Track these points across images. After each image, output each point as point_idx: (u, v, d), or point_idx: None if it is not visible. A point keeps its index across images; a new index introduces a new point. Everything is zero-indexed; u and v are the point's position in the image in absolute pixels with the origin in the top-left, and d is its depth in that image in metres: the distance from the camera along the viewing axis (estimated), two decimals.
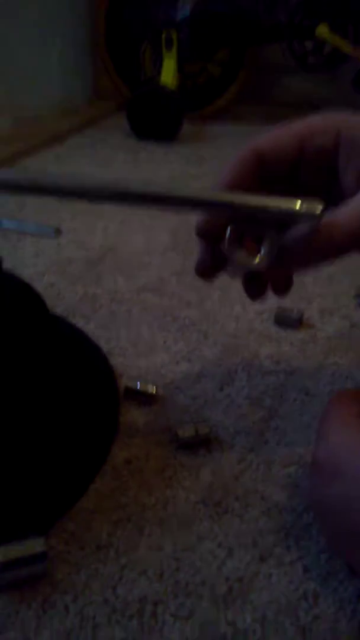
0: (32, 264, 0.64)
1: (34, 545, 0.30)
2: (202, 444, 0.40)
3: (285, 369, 0.49)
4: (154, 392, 0.44)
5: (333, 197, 0.35)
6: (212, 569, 0.32)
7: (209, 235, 0.36)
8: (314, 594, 0.31)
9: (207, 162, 1.09)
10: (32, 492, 0.35)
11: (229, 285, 0.62)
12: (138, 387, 0.44)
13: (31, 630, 0.28)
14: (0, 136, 1.12)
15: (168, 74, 1.32)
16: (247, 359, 0.50)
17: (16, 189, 0.35)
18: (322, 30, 1.29)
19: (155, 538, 0.33)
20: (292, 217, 0.31)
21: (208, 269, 0.38)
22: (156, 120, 1.24)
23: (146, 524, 0.34)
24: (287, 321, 0.55)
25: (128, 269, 0.65)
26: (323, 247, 0.32)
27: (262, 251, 0.32)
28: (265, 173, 0.36)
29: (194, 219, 0.84)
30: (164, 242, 0.72)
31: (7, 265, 0.42)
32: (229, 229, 0.32)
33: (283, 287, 0.38)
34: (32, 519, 0.33)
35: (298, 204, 0.31)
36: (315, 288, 0.63)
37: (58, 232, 0.71)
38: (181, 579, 0.31)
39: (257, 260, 0.32)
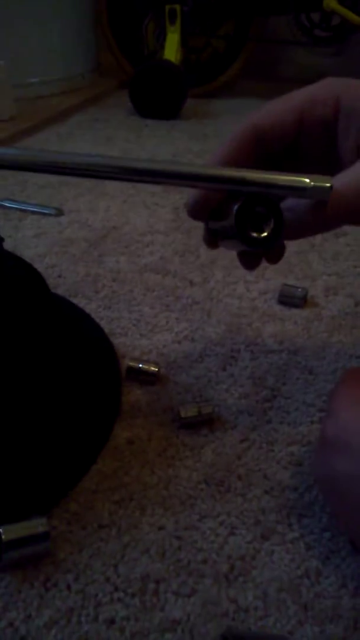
0: (33, 244, 0.64)
1: (37, 525, 0.30)
2: (204, 423, 0.40)
3: (289, 348, 0.49)
4: (157, 371, 0.44)
5: (330, 165, 0.34)
6: (214, 548, 0.32)
7: (201, 216, 0.36)
8: (316, 572, 0.31)
9: (211, 139, 1.08)
10: (34, 472, 0.35)
11: (233, 264, 0.62)
12: (140, 367, 0.44)
13: (33, 609, 0.28)
14: (2, 116, 1.11)
15: (171, 49, 1.30)
16: (251, 338, 0.50)
17: (18, 166, 0.34)
18: (330, 1, 1.26)
19: (157, 517, 0.33)
20: (302, 193, 0.30)
21: (212, 241, 0.39)
22: (159, 96, 1.22)
23: (148, 503, 0.34)
24: (291, 300, 0.55)
25: (130, 248, 0.64)
26: (322, 219, 0.31)
27: (268, 227, 0.31)
28: (264, 149, 0.35)
29: None
30: (166, 222, 0.72)
31: (9, 246, 0.42)
32: (235, 206, 0.31)
33: (277, 256, 0.38)
34: (35, 500, 0.33)
35: (308, 180, 0.30)
36: (319, 266, 0.62)
37: (60, 212, 0.71)
38: (183, 557, 0.31)
39: (264, 234, 0.32)
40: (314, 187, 0.30)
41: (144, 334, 0.50)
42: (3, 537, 0.29)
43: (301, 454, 0.38)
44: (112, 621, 0.28)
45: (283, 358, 0.47)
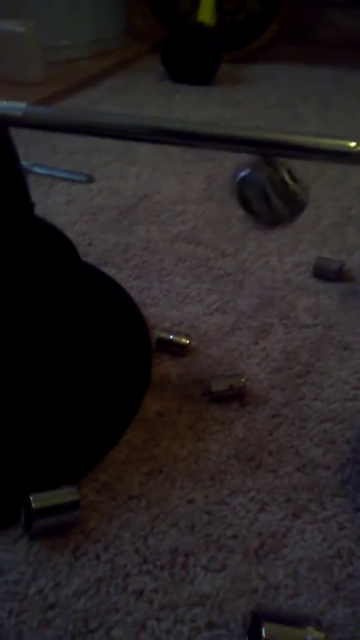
0: (63, 211, 0.63)
1: (66, 494, 0.30)
2: (235, 397, 0.39)
3: (324, 323, 0.47)
4: (187, 343, 0.43)
5: None
6: (244, 524, 0.31)
7: None
8: (348, 552, 0.30)
9: (245, 105, 1.04)
10: (65, 441, 0.35)
11: (266, 236, 0.60)
12: (171, 338, 0.43)
13: (63, 577, 0.28)
14: (32, 80, 1.09)
15: (206, 11, 1.25)
16: (284, 312, 0.48)
17: (50, 126, 0.33)
18: None
19: (187, 490, 0.33)
20: (345, 159, 0.29)
21: None
22: (193, 60, 1.17)
23: (178, 476, 0.34)
24: (327, 273, 0.53)
25: (161, 217, 0.63)
26: None
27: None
28: None
29: (230, 166, 0.81)
30: (198, 190, 0.70)
31: (39, 212, 0.41)
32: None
33: None
34: (65, 469, 0.33)
35: (354, 144, 0.28)
36: (356, 238, 0.60)
37: (90, 179, 0.69)
38: (213, 532, 0.31)
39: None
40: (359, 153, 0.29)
41: (174, 304, 0.49)
42: (33, 505, 0.29)
43: (335, 432, 0.37)
44: (140, 593, 0.28)
45: (317, 333, 0.46)
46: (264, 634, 0.24)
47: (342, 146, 0.29)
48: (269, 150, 0.31)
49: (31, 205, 0.40)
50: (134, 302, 0.48)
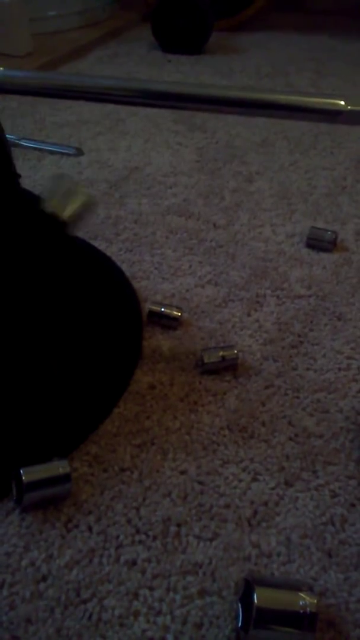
0: None
1: (57, 467, 0.30)
2: (228, 369, 0.39)
3: (317, 293, 0.47)
4: (179, 316, 0.42)
5: None
6: (236, 493, 0.31)
7: None
8: (341, 519, 0.30)
9: (237, 74, 1.02)
10: (55, 415, 0.34)
11: (258, 207, 0.59)
12: (162, 311, 0.43)
13: (55, 549, 0.28)
14: (19, 52, 1.06)
15: None
16: (277, 283, 0.48)
17: (31, 90, 0.32)
18: None
19: (179, 462, 0.33)
20: (336, 118, 0.28)
21: None
22: (183, 29, 1.15)
23: (170, 447, 0.33)
24: (320, 243, 0.52)
25: (152, 190, 0.62)
26: None
27: None
28: None
29: (222, 137, 0.79)
30: (190, 162, 0.68)
31: (27, 187, 0.40)
32: None
33: None
34: (56, 442, 0.33)
35: (344, 102, 0.28)
36: (350, 209, 0.59)
37: (79, 151, 0.68)
38: (205, 501, 0.31)
39: None
40: (350, 112, 0.28)
41: (166, 277, 0.48)
42: (24, 478, 0.29)
43: (328, 401, 0.37)
44: (133, 563, 0.28)
45: (311, 303, 0.46)
46: (255, 600, 0.24)
47: (333, 105, 0.28)
48: (260, 111, 0.30)
49: (16, 176, 0.39)
50: (124, 276, 0.48)
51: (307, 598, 0.25)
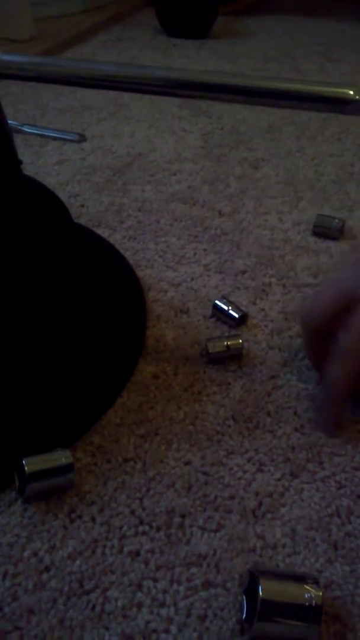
0: (55, 172, 0.61)
1: (60, 457, 0.30)
2: (233, 359, 0.39)
3: None
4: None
5: None
6: (241, 484, 0.31)
7: (321, 327, 0.34)
8: (347, 511, 0.30)
9: (242, 58, 1.00)
10: (58, 405, 0.34)
11: (264, 194, 0.58)
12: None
13: (58, 540, 0.28)
14: (21, 36, 1.04)
15: None
16: (283, 271, 0.47)
17: (34, 77, 0.31)
18: None
19: (183, 452, 0.32)
20: (343, 108, 0.27)
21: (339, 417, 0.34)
22: (188, 13, 1.13)
23: (174, 438, 0.33)
24: (327, 231, 0.52)
25: (156, 176, 0.61)
26: None
27: None
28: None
29: (227, 122, 0.78)
30: (194, 148, 0.67)
31: (29, 173, 0.40)
32: None
33: None
34: (59, 432, 0.33)
35: (352, 92, 0.27)
36: (357, 196, 0.58)
37: (82, 137, 0.67)
38: (209, 493, 0.30)
39: None
40: (359, 101, 0.27)
41: (170, 265, 0.48)
42: (26, 468, 0.29)
43: None
44: (137, 554, 0.27)
45: None
46: (260, 592, 0.24)
47: (341, 94, 0.27)
48: (266, 100, 0.29)
49: (18, 163, 0.38)
50: (128, 264, 0.47)
51: (313, 590, 0.24)
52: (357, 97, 0.27)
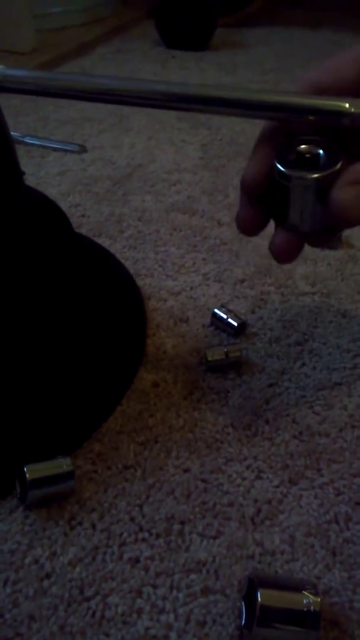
0: (56, 182, 0.61)
1: (61, 465, 0.30)
2: (231, 367, 0.39)
3: (322, 291, 0.46)
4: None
5: None
6: (240, 491, 0.31)
7: (256, 188, 0.31)
8: (345, 517, 0.30)
9: (242, 70, 1.01)
10: (59, 413, 0.34)
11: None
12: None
13: (58, 547, 0.28)
14: (22, 48, 1.06)
15: None
16: (281, 280, 0.48)
17: (34, 90, 0.31)
18: None
19: (182, 460, 0.33)
20: (338, 119, 0.28)
21: (254, 222, 0.32)
22: (187, 25, 1.14)
23: (173, 445, 0.33)
24: None
25: (156, 187, 0.62)
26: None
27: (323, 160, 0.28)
28: None
29: (226, 133, 0.79)
30: (194, 159, 0.68)
31: (31, 184, 0.40)
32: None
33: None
34: (60, 440, 0.33)
35: (348, 105, 0.27)
36: None
37: (83, 148, 0.68)
38: (208, 500, 0.30)
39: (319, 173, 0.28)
40: (354, 115, 0.27)
41: (170, 275, 0.48)
42: (28, 476, 0.29)
43: (333, 399, 0.37)
44: (136, 560, 0.28)
45: (315, 301, 0.45)
46: (259, 598, 0.24)
47: (336, 107, 0.28)
48: (261, 112, 0.30)
49: (20, 174, 0.39)
50: (128, 273, 0.48)
51: (311, 596, 0.25)
52: (352, 109, 0.28)
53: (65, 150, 0.68)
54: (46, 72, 0.31)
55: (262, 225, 0.32)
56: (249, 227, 0.32)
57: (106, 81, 0.30)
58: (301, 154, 0.28)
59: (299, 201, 0.28)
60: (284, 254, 0.31)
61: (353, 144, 0.28)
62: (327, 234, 0.31)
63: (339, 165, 0.27)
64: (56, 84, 0.30)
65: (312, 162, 0.28)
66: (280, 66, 1.03)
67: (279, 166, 0.28)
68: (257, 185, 0.30)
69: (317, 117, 0.28)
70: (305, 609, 0.24)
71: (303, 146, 0.28)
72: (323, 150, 0.28)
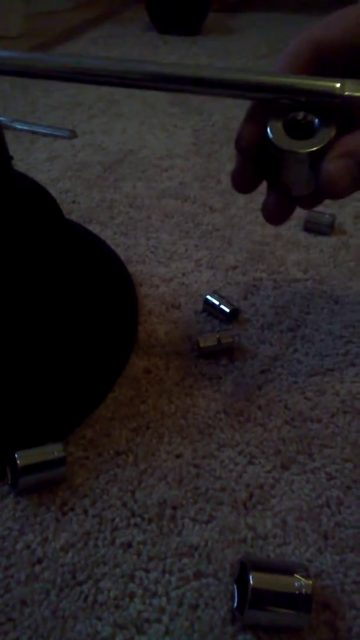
0: (46, 168, 0.61)
1: (52, 451, 0.30)
2: (224, 353, 0.39)
3: (314, 277, 0.46)
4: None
5: None
6: (232, 476, 0.31)
7: (249, 150, 0.31)
8: (337, 501, 0.30)
9: (234, 55, 1.00)
10: (50, 399, 0.34)
11: (255, 190, 0.58)
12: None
13: (50, 532, 0.28)
14: (11, 33, 1.04)
15: None
16: (274, 267, 0.48)
17: (22, 71, 0.31)
18: None
19: (174, 445, 0.32)
20: (330, 101, 0.27)
21: (247, 182, 0.32)
22: (178, 9, 1.13)
23: (166, 431, 0.33)
24: (318, 227, 0.52)
25: (148, 173, 0.61)
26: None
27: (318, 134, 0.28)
28: (323, 68, 0.29)
29: (218, 119, 0.78)
30: (186, 145, 0.68)
31: (20, 170, 0.40)
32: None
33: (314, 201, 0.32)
34: (50, 426, 0.33)
35: (339, 85, 0.27)
36: None
37: (73, 134, 0.67)
38: (201, 485, 0.30)
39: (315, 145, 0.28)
40: (346, 97, 0.27)
41: (162, 261, 0.48)
42: (19, 462, 0.29)
43: (325, 385, 0.37)
44: (129, 545, 0.28)
45: (308, 287, 0.45)
46: (251, 581, 0.24)
47: (328, 88, 0.27)
48: (251, 93, 0.29)
49: (8, 158, 0.38)
50: (120, 260, 0.47)
51: (303, 579, 0.25)
52: (345, 92, 0.27)
53: (55, 136, 0.67)
54: (34, 53, 0.30)
55: (255, 185, 0.32)
56: (243, 185, 0.32)
57: (96, 62, 0.30)
58: (296, 121, 0.28)
59: (291, 170, 0.28)
60: (275, 216, 0.32)
61: (344, 117, 0.28)
62: (319, 196, 0.31)
63: (332, 135, 0.27)
64: (44, 65, 0.30)
65: (306, 131, 0.28)
66: (273, 51, 1.02)
67: (271, 138, 0.27)
68: (250, 146, 0.30)
69: (307, 98, 0.28)
70: (297, 592, 0.24)
71: (298, 113, 0.28)
72: (318, 116, 0.28)
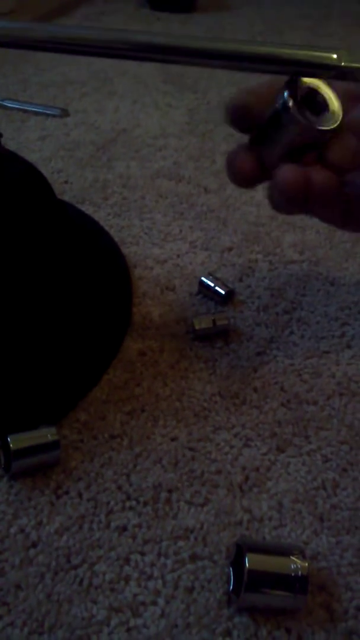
0: (37, 147, 0.59)
1: (46, 434, 0.29)
2: (219, 335, 0.38)
3: (310, 259, 0.46)
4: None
5: None
6: (228, 459, 0.31)
7: (246, 120, 0.30)
8: (333, 484, 0.30)
9: (229, 32, 0.98)
10: (43, 382, 0.34)
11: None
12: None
13: (44, 516, 0.27)
14: (1, 9, 1.01)
15: None
16: (269, 248, 0.47)
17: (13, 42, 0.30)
18: None
19: (169, 428, 0.32)
20: (327, 73, 0.26)
21: (252, 175, 0.30)
22: None
23: (160, 414, 0.33)
24: None
25: (141, 152, 0.60)
26: None
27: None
28: None
29: (213, 98, 0.77)
30: (180, 124, 0.66)
31: (11, 149, 0.39)
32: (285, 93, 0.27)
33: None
34: (44, 409, 0.32)
35: (335, 56, 0.26)
36: None
37: (65, 112, 0.66)
38: (196, 468, 0.30)
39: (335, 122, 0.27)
40: (344, 68, 0.26)
41: (156, 242, 0.47)
42: (12, 446, 0.28)
43: (321, 367, 0.37)
44: (124, 528, 0.27)
45: (303, 269, 0.45)
46: (247, 564, 0.24)
47: (324, 59, 0.26)
48: (245, 64, 0.28)
49: None
50: (113, 241, 0.46)
51: (299, 562, 0.25)
52: (341, 62, 0.27)
53: (47, 114, 0.66)
54: (22, 22, 0.29)
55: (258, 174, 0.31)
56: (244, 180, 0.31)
57: (85, 32, 0.29)
58: (313, 93, 0.27)
59: (288, 136, 0.28)
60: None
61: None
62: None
63: (339, 122, 0.27)
64: (34, 35, 0.29)
65: (320, 107, 0.27)
66: (269, 29, 1.00)
67: (290, 104, 0.27)
68: (245, 109, 0.30)
69: (303, 70, 0.27)
70: (293, 574, 0.24)
71: (318, 87, 0.28)
72: (333, 94, 0.28)
